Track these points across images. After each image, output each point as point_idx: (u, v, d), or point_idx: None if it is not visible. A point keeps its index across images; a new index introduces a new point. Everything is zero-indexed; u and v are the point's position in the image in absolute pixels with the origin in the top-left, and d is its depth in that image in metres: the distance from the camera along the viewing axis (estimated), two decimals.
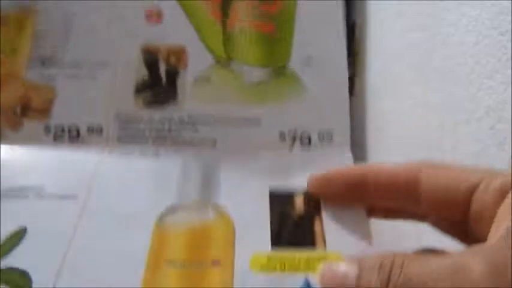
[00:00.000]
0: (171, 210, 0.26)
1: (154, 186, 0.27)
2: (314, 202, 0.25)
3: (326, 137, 0.30)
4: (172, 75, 0.31)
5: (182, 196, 0.26)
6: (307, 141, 0.30)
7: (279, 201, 0.26)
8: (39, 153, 0.29)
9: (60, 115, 0.30)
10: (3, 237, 0.23)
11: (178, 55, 0.31)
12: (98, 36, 0.32)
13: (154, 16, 0.32)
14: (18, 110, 0.30)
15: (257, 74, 0.31)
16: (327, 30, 0.32)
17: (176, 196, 0.26)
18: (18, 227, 0.24)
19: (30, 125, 0.30)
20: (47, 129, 0.30)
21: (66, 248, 0.23)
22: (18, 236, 0.24)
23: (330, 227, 0.23)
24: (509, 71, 0.23)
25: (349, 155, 0.29)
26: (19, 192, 0.26)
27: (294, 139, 0.30)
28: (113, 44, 0.31)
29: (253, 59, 0.31)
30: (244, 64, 0.31)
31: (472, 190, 0.19)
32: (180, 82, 0.31)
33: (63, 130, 0.30)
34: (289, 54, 0.31)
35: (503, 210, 0.18)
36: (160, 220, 0.25)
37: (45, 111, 0.30)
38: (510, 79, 0.23)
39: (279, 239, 0.23)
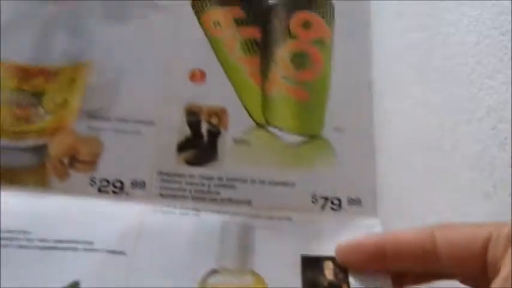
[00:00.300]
0: (213, 272, 0.28)
1: (195, 246, 0.29)
2: (342, 269, 0.28)
3: (355, 202, 0.32)
4: (214, 135, 0.33)
5: (221, 259, 0.28)
6: (337, 204, 0.32)
7: (310, 268, 0.28)
8: (84, 204, 0.31)
9: (105, 168, 0.32)
10: None
11: (219, 116, 0.33)
12: (145, 94, 0.33)
13: (198, 76, 0.34)
14: (66, 160, 0.32)
15: (292, 139, 0.33)
16: (358, 100, 0.34)
17: (216, 258, 0.28)
18: (71, 280, 0.26)
19: (77, 176, 0.32)
20: (93, 180, 0.31)
21: None
22: None
23: None
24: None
25: (376, 220, 0.31)
26: (69, 245, 0.28)
27: (325, 202, 0.32)
28: (158, 102, 0.33)
29: (289, 126, 0.33)
30: (281, 129, 0.33)
31: (487, 243, 0.21)
32: (220, 142, 0.33)
33: (108, 182, 0.31)
34: (322, 123, 0.34)
35: (508, 256, 0.19)
36: (203, 281, 0.27)
37: (91, 163, 0.32)
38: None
39: None
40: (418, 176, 0.31)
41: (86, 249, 0.28)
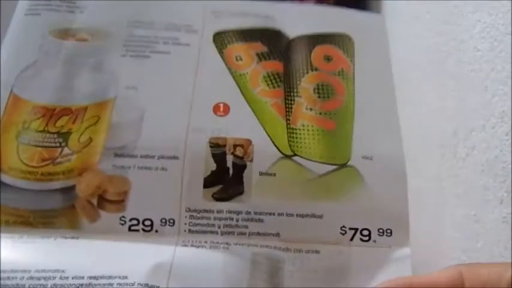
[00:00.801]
0: None
1: (226, 280, 0.29)
2: None
3: (385, 233, 0.31)
4: (239, 168, 0.33)
5: None
6: (367, 236, 0.31)
7: None
8: (116, 244, 0.31)
9: (134, 207, 0.32)
10: None
11: (244, 147, 0.33)
12: (169, 129, 0.33)
13: (222, 109, 0.34)
14: (95, 201, 0.32)
15: (320, 169, 0.33)
16: (384, 127, 0.34)
17: None
18: None
19: (107, 216, 0.32)
20: (122, 220, 0.31)
21: None
22: None
23: None
24: None
25: (407, 249, 0.31)
26: (104, 280, 0.28)
27: (354, 233, 0.31)
28: (182, 136, 0.33)
29: (316, 155, 0.33)
30: (308, 159, 0.33)
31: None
32: (246, 175, 0.33)
33: (137, 221, 0.31)
34: (350, 151, 0.33)
35: None
36: None
37: (120, 202, 0.32)
38: None
39: None
40: (432, 182, 0.30)
41: (120, 284, 0.28)
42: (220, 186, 0.32)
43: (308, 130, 0.33)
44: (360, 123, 0.34)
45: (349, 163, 0.33)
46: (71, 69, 0.35)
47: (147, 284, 0.28)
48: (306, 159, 0.33)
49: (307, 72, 0.35)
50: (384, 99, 0.35)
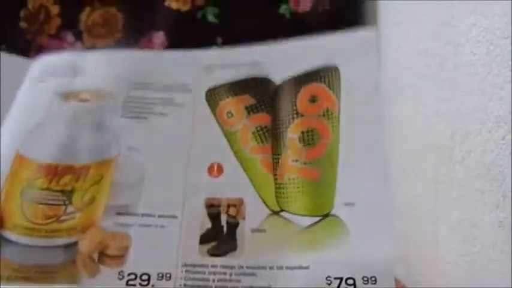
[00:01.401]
0: None
1: None
2: None
3: (370, 281, 0.33)
4: (233, 226, 0.35)
5: None
6: (352, 285, 0.33)
7: None
8: None
9: (133, 262, 0.34)
10: None
11: (237, 207, 0.36)
12: (167, 189, 0.36)
13: (216, 170, 0.37)
14: (96, 256, 0.34)
15: (305, 221, 0.35)
16: (368, 171, 0.35)
17: None
18: None
19: (106, 271, 0.33)
20: (121, 275, 0.33)
21: None
22: None
23: None
24: None
25: None
26: None
27: (339, 283, 0.33)
28: (180, 197, 0.36)
29: (301, 208, 0.36)
30: (294, 214, 0.36)
31: None
32: (239, 232, 0.35)
33: (135, 276, 0.33)
34: (333, 200, 0.35)
35: None
36: None
37: (120, 257, 0.34)
38: None
39: None
40: (429, 185, 0.30)
41: None
42: (215, 242, 0.35)
43: (294, 183, 0.36)
44: (343, 167, 0.36)
45: (332, 212, 0.35)
46: (74, 128, 0.38)
47: None
48: (292, 213, 0.36)
49: (293, 120, 0.38)
50: (370, 136, 0.36)
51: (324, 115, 0.38)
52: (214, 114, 0.39)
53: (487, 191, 0.29)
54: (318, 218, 0.35)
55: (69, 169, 0.36)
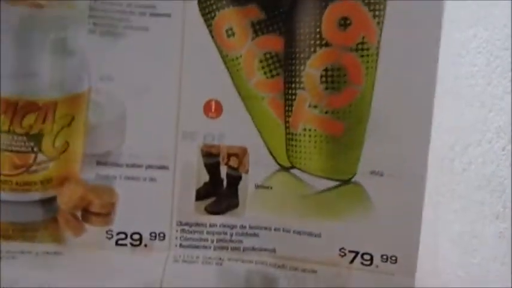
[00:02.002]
0: None
1: None
2: None
3: (390, 260, 0.30)
4: (234, 180, 0.30)
5: None
6: (368, 261, 0.30)
7: None
8: (102, 259, 0.30)
9: (122, 220, 0.30)
10: None
11: (239, 157, 0.30)
12: (155, 132, 0.30)
13: (214, 109, 0.30)
14: (79, 214, 0.30)
15: (320, 184, 0.30)
16: (408, 134, 0.28)
17: None
18: None
19: (93, 230, 0.30)
20: (109, 234, 0.30)
21: None
22: None
23: None
24: None
25: (411, 283, 0.29)
26: None
27: (354, 257, 0.30)
28: (171, 142, 0.30)
29: (317, 168, 0.30)
30: (307, 173, 0.31)
31: None
32: (241, 187, 0.31)
33: (125, 235, 0.30)
34: (356, 164, 0.29)
35: None
36: None
37: (107, 215, 0.30)
38: None
39: None
40: (429, 197, 0.29)
41: None
42: (214, 198, 0.30)
43: (310, 136, 0.30)
44: (375, 126, 0.29)
45: (354, 179, 0.30)
46: (29, 48, 0.29)
47: None
48: (305, 172, 0.30)
49: (315, 50, 0.29)
50: (418, 89, 0.28)
51: (357, 49, 0.28)
52: (211, 31, 0.30)
53: (487, 202, 0.29)
54: (336, 183, 0.30)
55: (32, 105, 0.30)
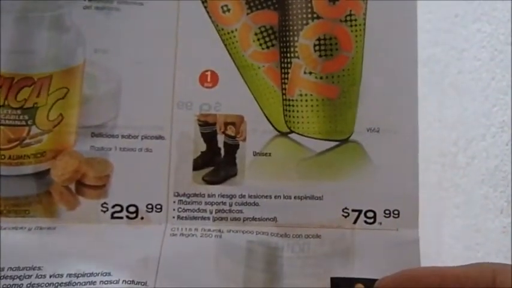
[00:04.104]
0: None
1: (219, 271, 0.28)
2: None
3: (392, 215, 0.30)
4: (232, 148, 0.30)
5: (246, 283, 0.27)
6: (372, 218, 0.30)
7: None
8: (98, 233, 0.29)
9: (117, 192, 0.29)
10: None
11: (236, 126, 0.30)
12: (150, 102, 0.30)
13: (209, 79, 0.30)
14: (73, 187, 0.29)
15: (319, 146, 0.30)
16: (397, 92, 0.30)
17: (241, 282, 0.27)
18: None
19: (87, 203, 0.29)
20: (104, 207, 0.29)
21: None
22: None
23: None
24: None
25: (416, 235, 0.29)
26: (86, 279, 0.27)
27: (358, 216, 0.30)
28: (167, 112, 0.30)
29: (315, 131, 0.30)
30: (305, 137, 0.30)
31: None
32: (239, 156, 0.30)
33: (121, 208, 0.29)
34: (353, 123, 0.30)
35: None
36: None
37: (101, 188, 0.29)
38: None
39: None
40: (433, 191, 0.30)
41: (103, 282, 0.27)
42: (211, 168, 0.30)
43: (306, 100, 0.30)
44: (367, 86, 0.30)
45: (351, 138, 0.30)
46: (27, 26, 0.30)
47: (132, 281, 0.26)
48: (303, 136, 0.30)
49: (307, 23, 0.30)
50: (401, 52, 0.30)
51: (346, 20, 0.30)
52: (206, 7, 0.31)
53: (490, 196, 0.30)
54: (334, 143, 0.30)
55: (27, 80, 0.29)
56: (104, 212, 0.29)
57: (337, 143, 0.30)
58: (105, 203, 0.29)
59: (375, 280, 0.26)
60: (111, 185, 0.29)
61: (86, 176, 0.29)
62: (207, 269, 0.28)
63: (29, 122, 0.29)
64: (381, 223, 0.29)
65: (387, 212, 0.29)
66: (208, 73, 0.30)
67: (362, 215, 0.29)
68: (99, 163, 0.29)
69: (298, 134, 0.30)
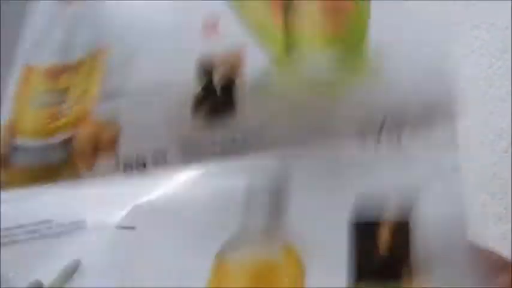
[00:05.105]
0: (234, 243, 0.22)
1: (218, 211, 0.24)
2: (404, 234, 0.20)
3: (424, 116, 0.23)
4: (227, 84, 0.28)
5: (247, 223, 0.23)
6: (397, 127, 0.23)
7: (361, 231, 0.21)
8: (111, 188, 0.28)
9: (125, 147, 0.29)
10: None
11: (233, 63, 0.28)
12: (158, 61, 0.30)
13: (211, 28, 0.30)
14: (90, 150, 0.30)
15: (323, 63, 0.26)
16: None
17: (239, 223, 0.23)
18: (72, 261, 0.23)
19: (101, 161, 0.29)
20: (117, 162, 0.29)
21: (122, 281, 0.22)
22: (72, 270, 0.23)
23: None
24: None
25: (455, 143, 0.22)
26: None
27: (380, 131, 0.23)
28: (170, 65, 0.30)
29: (320, 39, 0.26)
30: (308, 51, 0.26)
31: None
32: (237, 89, 0.27)
33: (131, 164, 0.29)
34: (364, 31, 0.25)
35: None
36: (222, 254, 0.22)
37: (112, 147, 0.30)
38: None
39: (359, 277, 0.19)
40: None
41: (96, 227, 0.26)
42: (208, 105, 0.28)
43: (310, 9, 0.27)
44: None
45: (361, 50, 0.25)
46: (71, 27, 0.35)
47: (121, 226, 0.25)
48: (305, 50, 0.26)
49: None
50: None
51: None
52: None
53: (488, 204, 0.30)
54: (340, 56, 0.26)
55: (68, 68, 0.33)
56: (117, 168, 0.29)
57: (345, 56, 0.26)
58: (117, 160, 0.29)
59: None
60: (120, 143, 0.29)
61: (100, 140, 0.30)
62: (206, 209, 0.25)
63: (64, 99, 0.32)
64: (410, 130, 0.23)
65: (416, 115, 0.23)
66: (210, 21, 0.30)
67: (384, 129, 0.23)
68: (110, 125, 0.30)
69: (299, 49, 0.26)
